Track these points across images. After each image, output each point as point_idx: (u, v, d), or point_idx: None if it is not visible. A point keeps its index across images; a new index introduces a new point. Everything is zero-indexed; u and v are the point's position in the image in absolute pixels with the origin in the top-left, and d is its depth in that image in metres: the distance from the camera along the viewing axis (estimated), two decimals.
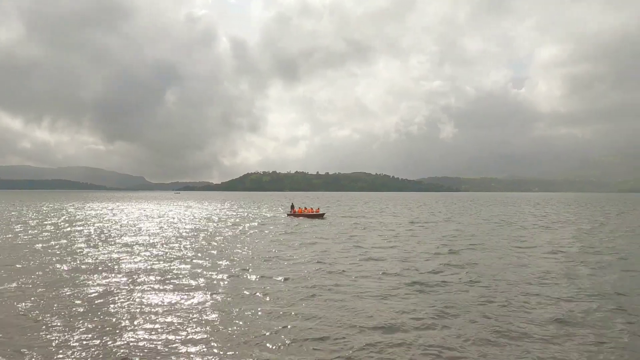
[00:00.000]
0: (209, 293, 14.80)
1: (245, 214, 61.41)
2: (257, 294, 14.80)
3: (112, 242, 27.43)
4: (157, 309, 12.79)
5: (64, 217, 51.56)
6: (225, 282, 16.57)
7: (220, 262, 20.75)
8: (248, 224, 43.13)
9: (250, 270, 18.94)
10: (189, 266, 19.61)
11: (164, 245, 25.76)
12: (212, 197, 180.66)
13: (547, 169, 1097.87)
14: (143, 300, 13.89)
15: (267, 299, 14.20)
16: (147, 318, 12.04)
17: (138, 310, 12.70)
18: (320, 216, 52.69)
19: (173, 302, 13.63)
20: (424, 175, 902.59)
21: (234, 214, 60.91)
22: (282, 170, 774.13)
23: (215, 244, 27.46)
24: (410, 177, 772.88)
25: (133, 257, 21.94)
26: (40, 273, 17.91)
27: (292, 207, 59.73)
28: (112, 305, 13.17)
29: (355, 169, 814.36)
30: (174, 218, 50.91)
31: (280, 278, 17.24)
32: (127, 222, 44.35)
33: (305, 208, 57.97)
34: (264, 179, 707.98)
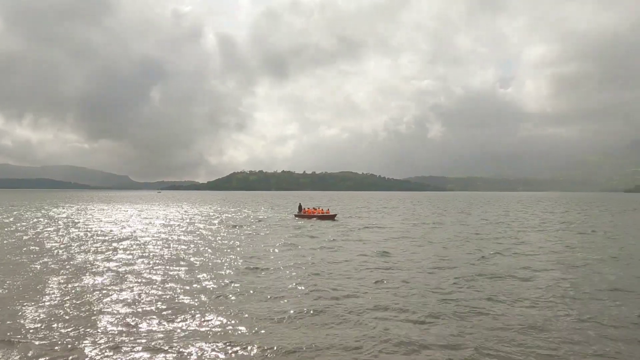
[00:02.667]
0: (222, 310, 13.14)
1: (247, 215, 57.16)
2: (280, 311, 13.01)
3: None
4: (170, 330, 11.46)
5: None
6: (249, 296, 14.69)
7: (237, 271, 18.74)
8: (254, 226, 40.56)
9: (275, 284, 16.44)
10: (197, 278, 17.29)
11: (164, 259, 22.01)
12: (198, 198, 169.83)
13: (533, 168, 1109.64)
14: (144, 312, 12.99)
15: (288, 315, 12.66)
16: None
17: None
18: (332, 217, 49.40)
19: (178, 322, 12.05)
20: (411, 174, 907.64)
21: (236, 216, 56.29)
22: (269, 169, 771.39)
23: (229, 250, 24.82)
24: (397, 177, 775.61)
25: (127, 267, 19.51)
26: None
27: (300, 207, 55.95)
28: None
29: (343, 168, 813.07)
30: (168, 221, 46.63)
31: (303, 289, 15.50)
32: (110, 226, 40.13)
33: (315, 208, 54.34)
34: (251, 178, 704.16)
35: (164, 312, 12.52)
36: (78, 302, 13.65)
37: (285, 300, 13.96)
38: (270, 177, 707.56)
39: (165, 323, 11.66)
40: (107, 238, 30.56)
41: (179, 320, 11.94)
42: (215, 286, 15.84)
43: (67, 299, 13.92)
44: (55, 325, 11.49)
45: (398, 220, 50.33)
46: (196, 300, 13.97)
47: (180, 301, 13.79)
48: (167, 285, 15.82)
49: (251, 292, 15.02)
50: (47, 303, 13.46)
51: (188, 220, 47.06)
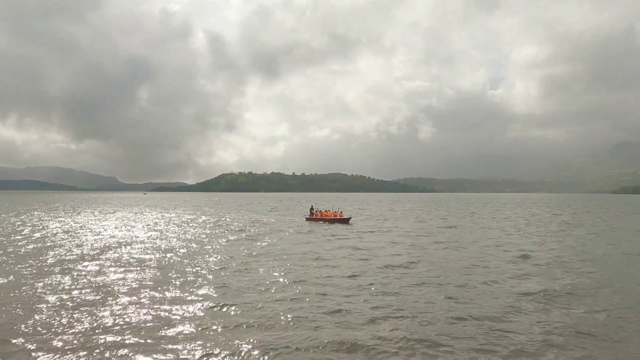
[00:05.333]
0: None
1: (253, 219, 53.83)
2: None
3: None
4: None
5: None
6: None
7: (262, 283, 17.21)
8: (265, 230, 39.02)
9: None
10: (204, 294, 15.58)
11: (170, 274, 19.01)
12: (189, 200, 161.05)
13: (520, 169, 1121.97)
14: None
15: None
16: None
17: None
18: (346, 221, 47.57)
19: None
20: (401, 175, 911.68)
21: (241, 220, 52.39)
22: (259, 170, 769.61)
23: (248, 263, 21.89)
24: (386, 178, 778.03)
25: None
26: None
27: (312, 210, 53.67)
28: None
29: (333, 170, 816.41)
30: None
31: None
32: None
33: (327, 211, 51.43)
34: (240, 179, 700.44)
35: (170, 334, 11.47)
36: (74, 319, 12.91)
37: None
38: (259, 178, 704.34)
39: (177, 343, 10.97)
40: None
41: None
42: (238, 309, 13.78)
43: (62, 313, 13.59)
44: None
45: (409, 222, 49.93)
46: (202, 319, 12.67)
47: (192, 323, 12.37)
48: (175, 305, 14.06)
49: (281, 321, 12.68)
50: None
51: (186, 228, 42.12)
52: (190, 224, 45.82)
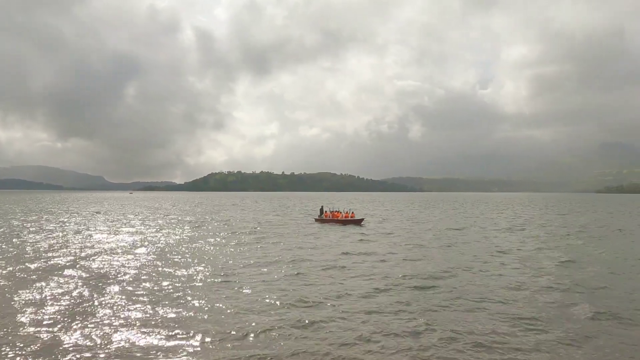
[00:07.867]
0: None
1: (257, 221, 51.73)
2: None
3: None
4: None
5: None
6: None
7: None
8: (275, 232, 37.37)
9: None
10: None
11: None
12: (179, 200, 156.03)
13: (507, 169, 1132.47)
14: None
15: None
16: None
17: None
18: (358, 222, 46.06)
19: None
20: (389, 175, 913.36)
21: (243, 222, 50.26)
22: (248, 170, 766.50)
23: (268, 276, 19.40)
24: (375, 177, 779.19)
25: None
26: None
27: (322, 210, 51.90)
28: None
29: (323, 169, 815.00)
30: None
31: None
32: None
33: (338, 212, 49.88)
34: (229, 179, 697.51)
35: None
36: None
37: None
38: (248, 177, 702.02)
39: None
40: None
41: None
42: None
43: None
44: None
45: (420, 224, 48.82)
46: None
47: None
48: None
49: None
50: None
51: (196, 231, 39.04)
52: (202, 227, 43.51)
